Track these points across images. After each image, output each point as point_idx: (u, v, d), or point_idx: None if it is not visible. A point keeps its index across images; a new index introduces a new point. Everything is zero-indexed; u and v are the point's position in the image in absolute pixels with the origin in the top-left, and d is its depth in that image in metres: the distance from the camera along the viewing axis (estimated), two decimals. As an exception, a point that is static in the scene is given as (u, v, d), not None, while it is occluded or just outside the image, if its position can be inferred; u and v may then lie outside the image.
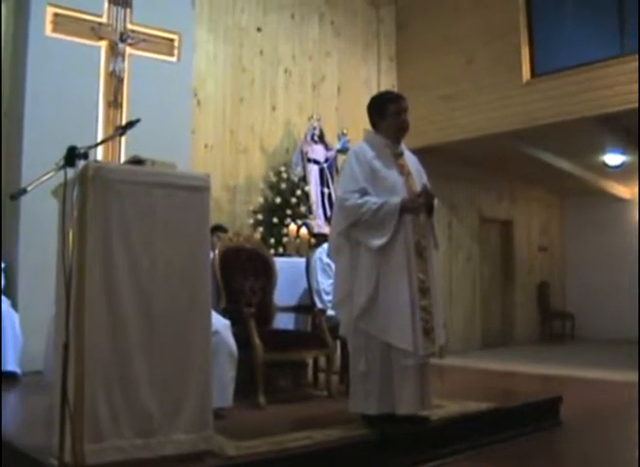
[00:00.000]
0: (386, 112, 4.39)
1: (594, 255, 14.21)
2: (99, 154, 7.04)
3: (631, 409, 5.62)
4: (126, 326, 3.17)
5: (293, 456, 3.56)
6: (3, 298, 6.37)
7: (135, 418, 3.15)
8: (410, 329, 4.06)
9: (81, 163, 3.15)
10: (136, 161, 3.49)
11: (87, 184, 3.14)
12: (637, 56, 8.29)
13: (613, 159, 11.55)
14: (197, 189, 3.48)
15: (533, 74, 9.62)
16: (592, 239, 14.28)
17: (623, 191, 14.03)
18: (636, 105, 8.15)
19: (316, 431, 4.01)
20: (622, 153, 11.22)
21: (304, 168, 8.82)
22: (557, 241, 15.05)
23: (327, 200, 8.81)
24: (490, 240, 13.22)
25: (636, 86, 8.10)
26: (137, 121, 3.51)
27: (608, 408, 6.18)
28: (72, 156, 3.11)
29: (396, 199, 4.16)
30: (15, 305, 6.47)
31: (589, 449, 4.67)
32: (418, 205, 4.24)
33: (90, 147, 3.25)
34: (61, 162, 3.11)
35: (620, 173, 12.41)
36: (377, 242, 4.10)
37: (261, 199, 8.78)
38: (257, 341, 5.04)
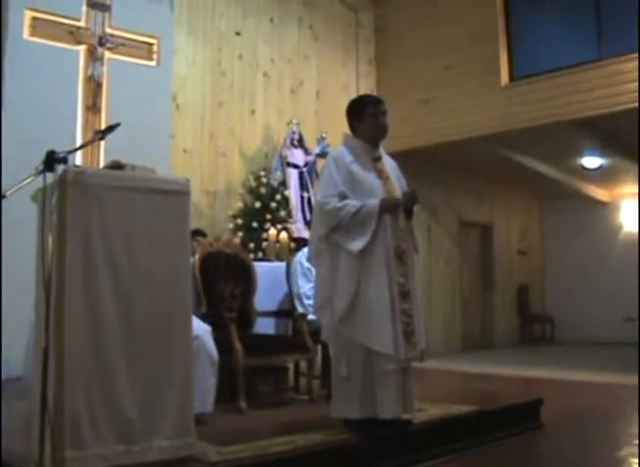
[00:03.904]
0: (364, 115, 4.37)
1: (574, 258, 14.32)
2: (78, 158, 6.97)
3: (611, 410, 5.66)
4: (107, 331, 3.15)
5: (275, 461, 3.55)
6: (-19, 304, 6.31)
7: (116, 425, 3.13)
8: (391, 333, 4.05)
9: (60, 168, 3.13)
10: (116, 166, 3.47)
11: (66, 189, 3.12)
12: (614, 60, 8.41)
13: (591, 162, 11.64)
14: (177, 193, 3.47)
15: (511, 78, 9.70)
16: (572, 242, 14.39)
17: (602, 193, 14.15)
18: (614, 109, 8.28)
19: (298, 436, 3.99)
20: (601, 156, 11.31)
21: (284, 173, 8.80)
22: (537, 244, 15.15)
23: (306, 205, 8.80)
24: (470, 244, 13.28)
25: (613, 89, 8.21)
26: (117, 125, 3.49)
27: (588, 409, 6.21)
28: (51, 160, 3.08)
29: (374, 201, 4.16)
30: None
31: (570, 451, 4.69)
32: (397, 204, 4.24)
33: (70, 152, 3.23)
34: (40, 167, 3.09)
35: (598, 176, 12.53)
36: (358, 245, 4.09)
37: (240, 204, 8.76)
38: (238, 345, 5.02)
